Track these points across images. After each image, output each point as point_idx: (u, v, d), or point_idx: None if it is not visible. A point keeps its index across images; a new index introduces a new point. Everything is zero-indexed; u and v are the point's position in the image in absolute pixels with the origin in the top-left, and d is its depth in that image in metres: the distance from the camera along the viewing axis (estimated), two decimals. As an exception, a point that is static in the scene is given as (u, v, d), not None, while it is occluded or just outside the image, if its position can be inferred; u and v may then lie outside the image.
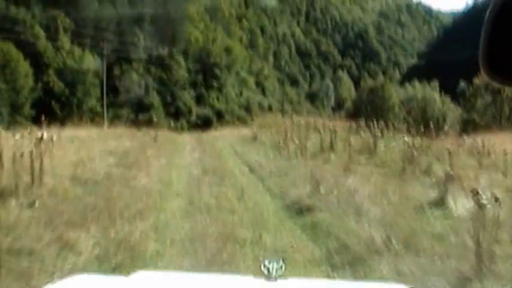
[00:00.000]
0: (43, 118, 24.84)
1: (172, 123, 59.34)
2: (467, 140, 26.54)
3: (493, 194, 9.28)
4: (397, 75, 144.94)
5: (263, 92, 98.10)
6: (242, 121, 68.94)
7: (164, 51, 75.93)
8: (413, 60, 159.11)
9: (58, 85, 61.34)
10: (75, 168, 15.47)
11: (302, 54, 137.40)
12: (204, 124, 65.60)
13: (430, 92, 69.20)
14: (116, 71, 69.34)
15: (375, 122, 32.38)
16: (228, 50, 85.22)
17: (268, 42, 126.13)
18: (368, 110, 58.38)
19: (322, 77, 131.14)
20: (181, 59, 76.87)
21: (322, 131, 25.51)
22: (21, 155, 12.30)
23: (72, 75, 62.68)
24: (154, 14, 78.18)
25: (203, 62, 78.78)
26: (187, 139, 36.86)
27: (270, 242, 8.95)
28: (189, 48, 79.01)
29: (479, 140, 24.13)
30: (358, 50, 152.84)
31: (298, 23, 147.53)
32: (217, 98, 77.56)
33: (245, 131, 40.32)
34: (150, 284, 2.52)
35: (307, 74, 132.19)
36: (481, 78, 53.44)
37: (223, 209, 11.58)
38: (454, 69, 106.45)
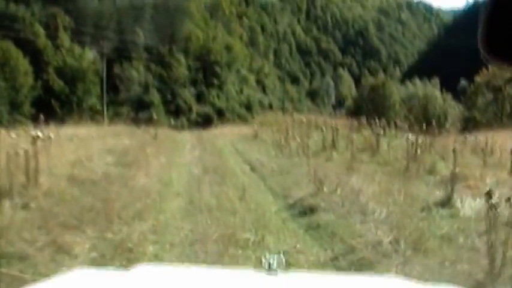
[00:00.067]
0: (41, 116, 24.69)
1: (172, 121, 59.07)
2: (470, 137, 26.35)
3: (502, 194, 9.04)
4: (398, 73, 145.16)
5: (263, 89, 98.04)
6: (243, 119, 68.86)
7: (164, 49, 75.80)
8: (414, 58, 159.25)
9: (58, 83, 61.23)
10: (72, 167, 15.21)
11: (302, 52, 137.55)
12: (205, 122, 65.48)
13: (431, 90, 69.11)
14: (116, 69, 69.27)
15: (377, 120, 32.21)
16: (228, 48, 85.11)
17: (268, 40, 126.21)
18: (369, 107, 58.12)
19: (323, 74, 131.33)
20: (181, 57, 76.77)
21: (323, 129, 25.20)
22: (17, 155, 12.00)
23: (72, 73, 62.60)
24: (155, 11, 78.06)
25: (203, 59, 78.64)
26: (188, 137, 36.68)
27: (273, 244, 8.67)
28: (189, 46, 78.90)
29: (481, 137, 23.97)
30: (359, 47, 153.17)
31: (298, 20, 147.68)
32: (218, 96, 77.43)
33: (246, 129, 40.14)
34: (151, 278, 2.49)
35: (308, 72, 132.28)
36: (482, 76, 53.56)
37: (224, 209, 11.27)
38: (454, 67, 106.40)
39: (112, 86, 66.49)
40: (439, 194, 12.60)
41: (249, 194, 13.27)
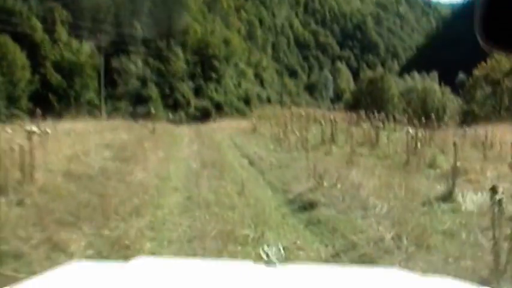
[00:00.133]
0: (38, 111, 24.58)
1: (170, 115, 59.22)
2: (469, 131, 26.31)
3: (504, 188, 8.90)
4: (396, 66, 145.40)
5: (262, 83, 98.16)
6: (241, 113, 68.90)
7: (162, 43, 75.70)
8: (412, 52, 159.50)
9: (55, 77, 61.18)
10: (69, 162, 15.05)
11: (301, 45, 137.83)
12: (203, 116, 65.44)
13: (429, 83, 69.13)
14: (114, 63, 69.30)
15: (375, 113, 32.15)
16: (226, 42, 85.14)
17: (266, 34, 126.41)
18: (367, 101, 58.14)
19: (321, 68, 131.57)
20: (179, 51, 76.73)
21: (322, 123, 25.06)
22: (12, 150, 11.83)
23: (69, 68, 62.58)
24: (152, 5, 77.93)
25: (201, 53, 78.61)
26: (186, 131, 36.60)
27: (273, 240, 8.50)
28: (187, 39, 78.86)
29: (480, 131, 23.90)
30: (357, 41, 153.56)
31: (296, 14, 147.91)
32: (216, 90, 77.41)
33: (244, 123, 40.08)
34: (149, 270, 2.49)
35: (306, 66, 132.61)
36: (481, 70, 53.58)
37: (223, 204, 11.10)
38: (452, 61, 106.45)
39: (110, 80, 66.50)
40: (440, 188, 12.49)
41: (248, 188, 13.10)
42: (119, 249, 7.71)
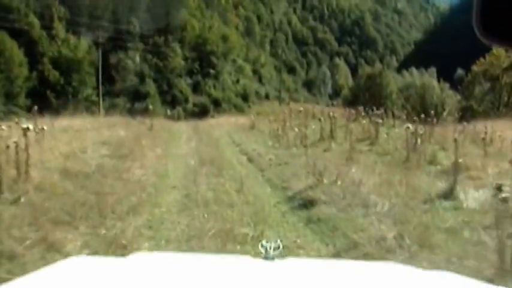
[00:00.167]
0: (35, 108, 24.53)
1: (168, 112, 58.98)
2: (468, 127, 26.11)
3: (506, 185, 8.81)
4: (394, 62, 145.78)
5: (260, 79, 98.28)
6: (239, 109, 69.02)
7: (160, 39, 75.62)
8: (410, 47, 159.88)
9: (53, 74, 61.07)
10: (65, 160, 14.92)
11: (299, 41, 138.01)
12: (201, 112, 65.52)
13: (428, 79, 69.16)
14: (112, 60, 69.29)
15: (374, 109, 32.08)
16: (224, 38, 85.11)
17: (264, 30, 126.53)
18: (366, 97, 58.19)
19: (319, 64, 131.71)
20: (177, 47, 76.68)
21: (321, 119, 24.92)
22: (7, 147, 11.66)
23: (67, 64, 62.44)
24: (150, 1, 77.81)
25: (199, 49, 78.59)
26: (184, 128, 36.47)
27: (273, 239, 8.35)
28: (185, 36, 78.79)
29: (480, 127, 23.69)
30: (355, 37, 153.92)
31: (294, 10, 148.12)
32: (214, 86, 77.40)
33: (242, 119, 40.05)
34: (149, 265, 2.49)
35: (304, 62, 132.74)
36: (479, 65, 53.59)
37: (221, 202, 10.96)
38: (451, 57, 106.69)
39: (108, 76, 66.52)
40: (441, 185, 12.35)
41: (247, 186, 12.98)
42: (116, 249, 7.55)
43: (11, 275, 6.21)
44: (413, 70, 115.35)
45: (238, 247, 7.90)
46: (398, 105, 53.79)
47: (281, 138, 23.71)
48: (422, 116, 25.58)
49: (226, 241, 8.07)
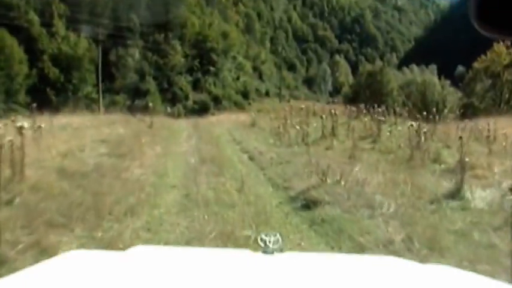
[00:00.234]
0: (34, 105, 24.40)
1: (168, 109, 58.87)
2: (470, 124, 25.83)
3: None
4: (394, 59, 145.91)
5: (260, 77, 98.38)
6: (239, 106, 69.00)
7: (160, 36, 75.52)
8: (411, 45, 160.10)
9: (53, 71, 61.05)
10: (62, 158, 14.65)
11: (299, 39, 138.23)
12: (201, 109, 65.45)
13: (429, 76, 68.92)
14: (112, 57, 69.17)
15: (375, 107, 31.88)
16: (224, 35, 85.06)
17: (265, 27, 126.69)
18: (366, 94, 57.91)
19: (319, 61, 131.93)
20: (177, 44, 76.62)
21: (322, 116, 24.68)
22: (1, 146, 11.35)
23: (67, 61, 62.42)
24: (150, -2, 77.73)
25: (199, 47, 78.51)
26: (184, 125, 36.27)
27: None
28: (185, 33, 78.67)
29: (482, 124, 23.45)
30: (355, 34, 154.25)
31: (294, 7, 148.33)
32: (214, 83, 77.37)
33: (243, 117, 39.79)
34: (148, 259, 2.49)
35: (304, 59, 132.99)
36: (480, 62, 53.47)
37: (222, 202, 10.69)
38: (451, 53, 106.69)
39: (108, 74, 66.45)
40: (446, 184, 12.10)
41: (248, 185, 12.71)
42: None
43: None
44: (414, 67, 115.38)
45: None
46: (399, 103, 53.44)
47: (282, 136, 23.45)
48: (424, 113, 25.37)
49: (227, 244, 7.80)
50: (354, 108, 35.52)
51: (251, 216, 9.59)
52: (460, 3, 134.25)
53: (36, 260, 6.22)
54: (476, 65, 55.16)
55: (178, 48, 76.37)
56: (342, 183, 11.95)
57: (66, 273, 2.08)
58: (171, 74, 73.80)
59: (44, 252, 7.08)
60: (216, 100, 72.74)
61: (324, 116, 24.51)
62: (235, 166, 16.68)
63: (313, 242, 8.35)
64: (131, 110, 49.35)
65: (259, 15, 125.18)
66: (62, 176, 12.19)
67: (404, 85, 65.38)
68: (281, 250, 2.52)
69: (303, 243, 8.20)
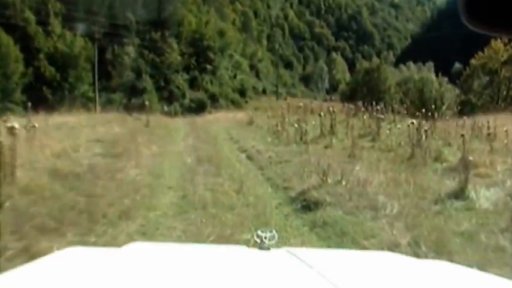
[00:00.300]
0: (29, 104, 24.26)
1: (165, 107, 58.86)
2: (469, 121, 25.72)
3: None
4: (391, 56, 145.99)
5: (257, 75, 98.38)
6: (236, 104, 68.99)
7: (157, 35, 75.37)
8: (407, 42, 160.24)
9: (49, 70, 60.74)
10: (56, 159, 14.30)
11: (296, 36, 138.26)
12: (198, 108, 65.39)
13: (426, 73, 68.98)
14: (108, 55, 68.98)
15: (374, 104, 31.76)
16: (221, 33, 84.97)
17: (261, 25, 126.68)
18: (364, 92, 57.90)
19: (316, 59, 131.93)
20: (174, 43, 76.49)
21: (320, 114, 24.48)
22: (-8, 147, 11.04)
23: (63, 60, 62.10)
24: (147, -4, 77.61)
25: (196, 45, 78.37)
26: (181, 124, 36.20)
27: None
28: (182, 31, 78.55)
29: (481, 121, 23.30)
30: (352, 32, 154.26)
31: (291, 5, 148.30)
32: (211, 82, 77.27)
33: (240, 115, 39.70)
34: (144, 255, 2.51)
35: (301, 57, 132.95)
36: (478, 59, 53.45)
37: (220, 204, 10.41)
38: (448, 50, 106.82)
39: (104, 72, 66.22)
40: (450, 183, 11.87)
41: (247, 186, 12.48)
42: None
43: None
44: (411, 64, 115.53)
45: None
46: (397, 100, 53.47)
47: (280, 135, 23.28)
48: (422, 110, 25.25)
49: (226, 248, 7.50)
50: (351, 106, 35.37)
51: (250, 219, 9.37)
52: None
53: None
54: (473, 62, 55.23)
55: (175, 46, 76.27)
56: (343, 183, 11.72)
57: (63, 269, 2.08)
58: (168, 72, 73.68)
59: (32, 258, 6.76)
60: (213, 98, 72.69)
61: (322, 114, 24.32)
62: (233, 166, 16.49)
63: (315, 246, 8.08)
64: (128, 108, 49.33)
65: (255, 13, 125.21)
66: (54, 178, 11.85)
67: (401, 82, 65.54)
68: (277, 246, 2.57)
69: (304, 247, 7.91)
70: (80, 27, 66.42)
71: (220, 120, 37.64)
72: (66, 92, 60.06)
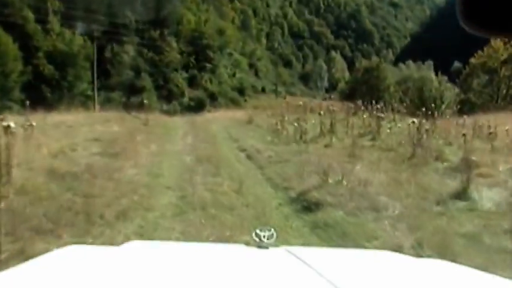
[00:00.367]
0: (27, 103, 24.18)
1: (164, 106, 58.84)
2: (468, 120, 25.59)
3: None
4: (391, 55, 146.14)
5: (256, 73, 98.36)
6: (235, 103, 68.97)
7: (156, 33, 75.33)
8: (407, 41, 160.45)
9: (48, 68, 60.74)
10: (53, 159, 14.16)
11: (295, 35, 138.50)
12: (197, 106, 65.39)
13: (426, 72, 68.98)
14: (107, 54, 68.93)
15: (373, 103, 31.68)
16: (220, 32, 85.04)
17: (260, 23, 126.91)
18: (363, 90, 57.95)
19: (315, 58, 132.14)
20: (173, 41, 76.56)
21: (320, 113, 24.39)
22: (-13, 147, 10.89)
23: (62, 58, 62.04)
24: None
25: (195, 43, 78.35)
26: (180, 123, 36.09)
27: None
28: (181, 29, 78.56)
29: (481, 120, 23.22)
30: (351, 30, 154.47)
31: (290, 3, 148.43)
32: (210, 80, 77.25)
33: (239, 114, 39.57)
34: (142, 254, 2.53)
35: (300, 55, 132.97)
36: (477, 58, 53.42)
37: (219, 204, 10.26)
38: (447, 49, 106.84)
39: (103, 70, 66.27)
40: (451, 183, 11.74)
41: (246, 186, 12.32)
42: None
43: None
44: (410, 63, 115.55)
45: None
46: (396, 99, 53.43)
47: (280, 134, 23.19)
48: (422, 109, 25.14)
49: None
50: (351, 105, 35.25)
51: (250, 220, 9.24)
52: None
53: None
54: (473, 60, 55.24)
55: (174, 44, 76.32)
56: (344, 183, 11.57)
57: (62, 268, 2.07)
58: (167, 71, 73.72)
59: (27, 260, 6.64)
60: (212, 97, 72.69)
61: (321, 113, 24.22)
62: (232, 165, 16.34)
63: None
64: (126, 107, 49.24)
65: (255, 12, 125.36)
66: (51, 178, 11.69)
67: (401, 81, 65.62)
68: (276, 245, 2.58)
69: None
70: (79, 26, 66.41)
71: (219, 119, 37.54)
72: (65, 90, 60.06)
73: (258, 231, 2.65)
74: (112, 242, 7.46)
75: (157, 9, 76.07)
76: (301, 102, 36.36)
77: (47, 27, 64.57)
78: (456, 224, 8.70)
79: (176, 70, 75.08)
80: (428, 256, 6.86)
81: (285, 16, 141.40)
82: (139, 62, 72.48)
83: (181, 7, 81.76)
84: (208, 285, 1.87)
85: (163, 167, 15.35)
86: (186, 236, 8.24)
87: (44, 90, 57.13)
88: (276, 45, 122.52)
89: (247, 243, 2.72)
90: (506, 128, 19.42)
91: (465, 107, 44.33)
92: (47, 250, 6.49)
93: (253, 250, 2.51)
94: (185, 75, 75.98)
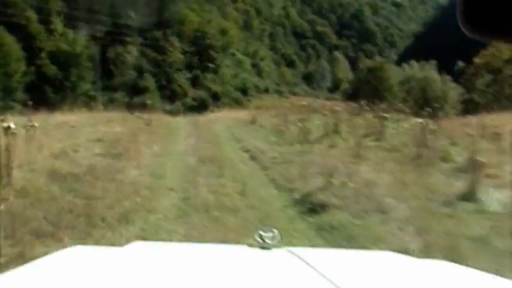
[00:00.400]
0: (30, 103, 24.12)
1: (167, 106, 58.74)
2: (473, 120, 25.41)
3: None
4: (393, 55, 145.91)
5: (259, 73, 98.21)
6: (239, 103, 68.80)
7: (158, 33, 75.31)
8: (410, 41, 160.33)
9: (51, 69, 60.61)
10: (55, 160, 14.05)
11: (298, 35, 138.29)
12: (200, 106, 65.23)
13: (429, 72, 68.84)
14: (110, 54, 68.87)
15: (377, 103, 31.58)
16: (223, 32, 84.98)
17: (263, 23, 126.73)
18: (366, 90, 57.67)
19: (318, 57, 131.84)
20: (176, 41, 76.43)
21: (323, 113, 24.31)
22: (-13, 148, 10.74)
23: (65, 59, 61.90)
24: (149, -5, 77.59)
25: (198, 43, 78.27)
26: (183, 123, 35.99)
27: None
28: (183, 29, 78.48)
29: (485, 120, 23.09)
30: (354, 30, 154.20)
31: (293, 3, 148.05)
32: (213, 80, 77.14)
33: (242, 114, 39.43)
34: (146, 254, 2.53)
35: (303, 55, 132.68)
36: (481, 57, 53.27)
37: (223, 207, 10.15)
38: (450, 49, 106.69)
39: (106, 71, 66.18)
40: (458, 184, 11.65)
41: (250, 187, 12.23)
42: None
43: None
44: (414, 63, 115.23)
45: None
46: (400, 99, 53.39)
47: (283, 134, 23.12)
48: (426, 109, 25.01)
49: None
50: (355, 105, 35.15)
51: (254, 222, 9.08)
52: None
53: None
54: (477, 60, 54.94)
55: (177, 45, 76.23)
56: (350, 184, 11.46)
57: (64, 268, 2.08)
58: (170, 71, 73.63)
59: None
60: (215, 97, 72.56)
61: (324, 113, 24.16)
62: (236, 166, 16.26)
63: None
64: (129, 107, 49.14)
65: (257, 12, 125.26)
66: (52, 179, 11.57)
67: (404, 81, 65.39)
68: (278, 246, 2.58)
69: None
70: (82, 26, 66.41)
71: (222, 119, 37.40)
72: (67, 90, 59.96)
73: (260, 232, 2.63)
74: (113, 245, 7.33)
75: (160, 9, 76.06)
76: (304, 102, 36.27)
77: (50, 28, 64.52)
78: (464, 226, 8.59)
79: (179, 70, 75.00)
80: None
81: (288, 16, 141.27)
82: (142, 62, 72.44)
83: (184, 7, 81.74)
84: (211, 286, 1.88)
85: (166, 168, 15.27)
86: (189, 239, 8.12)
87: (47, 90, 57.04)
88: (278, 45, 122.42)
89: (250, 244, 2.69)
90: (509, 127, 19.26)
91: (469, 107, 44.26)
92: (46, 254, 6.37)
93: (256, 251, 2.53)
94: (188, 75, 75.86)
